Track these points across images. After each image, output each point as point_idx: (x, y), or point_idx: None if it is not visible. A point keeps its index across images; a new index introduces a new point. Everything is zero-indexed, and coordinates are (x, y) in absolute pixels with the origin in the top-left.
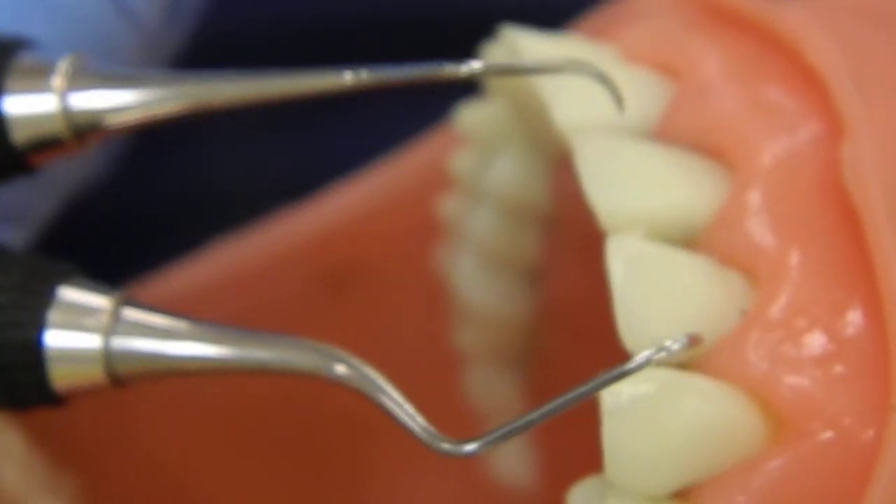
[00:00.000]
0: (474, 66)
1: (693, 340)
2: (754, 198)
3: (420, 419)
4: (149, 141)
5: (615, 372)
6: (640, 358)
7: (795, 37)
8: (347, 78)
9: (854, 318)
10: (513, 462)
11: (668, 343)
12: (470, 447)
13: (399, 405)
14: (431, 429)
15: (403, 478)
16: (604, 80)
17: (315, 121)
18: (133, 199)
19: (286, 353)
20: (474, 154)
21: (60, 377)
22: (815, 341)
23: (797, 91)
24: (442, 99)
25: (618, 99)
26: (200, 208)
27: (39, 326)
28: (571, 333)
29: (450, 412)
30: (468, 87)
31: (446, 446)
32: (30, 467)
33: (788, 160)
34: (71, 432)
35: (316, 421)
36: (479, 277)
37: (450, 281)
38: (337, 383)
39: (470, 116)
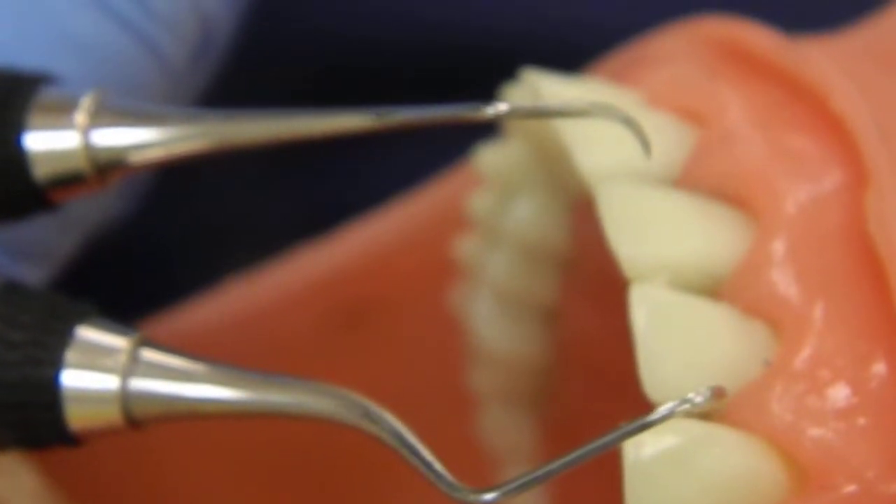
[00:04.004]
0: (500, 108)
1: (717, 393)
2: (778, 247)
3: (438, 465)
4: (164, 176)
5: (637, 424)
6: (662, 410)
7: (819, 84)
8: (371, 118)
9: (878, 370)
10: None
11: (691, 395)
12: (489, 496)
13: (417, 452)
14: (449, 476)
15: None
16: (630, 124)
17: (333, 158)
18: (147, 235)
19: (304, 398)
20: (493, 195)
21: (77, 418)
22: (839, 393)
23: (821, 139)
24: (461, 138)
25: (644, 144)
26: (216, 245)
27: (57, 366)
28: (587, 376)
29: (463, 452)
30: (487, 128)
31: (465, 494)
32: (43, 502)
33: (812, 209)
34: (84, 467)
35: (331, 456)
36: (495, 319)
37: (466, 322)
38: (355, 429)
39: (489, 157)
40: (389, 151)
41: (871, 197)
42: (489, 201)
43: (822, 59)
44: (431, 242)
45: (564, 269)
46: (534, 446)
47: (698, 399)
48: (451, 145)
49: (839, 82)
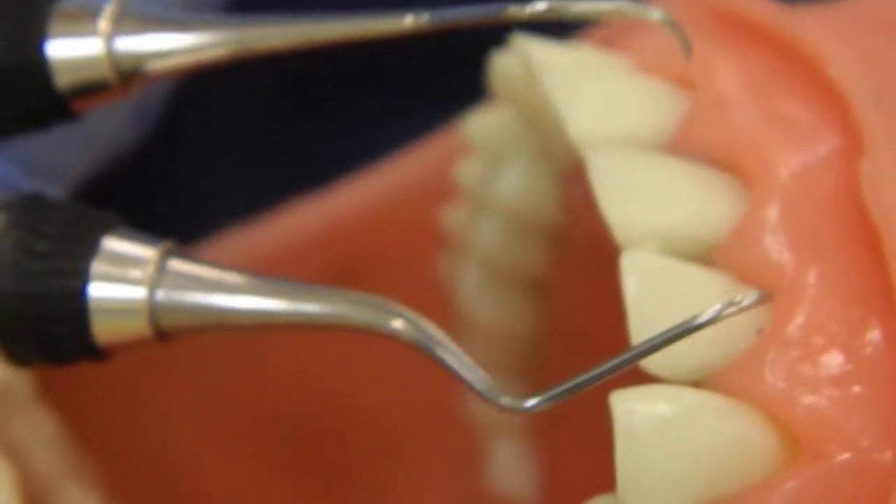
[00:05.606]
0: (538, 7)
1: (765, 298)
2: (771, 213)
3: (480, 372)
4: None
5: (680, 328)
6: (710, 312)
7: (815, 50)
8: (407, 21)
9: (872, 337)
10: (513, 473)
11: (738, 297)
12: (530, 402)
13: (458, 358)
14: (491, 382)
15: (406, 486)
16: (669, 24)
17: (329, 115)
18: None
19: (340, 307)
20: (481, 163)
21: (103, 330)
22: (833, 360)
23: (815, 105)
24: (449, 105)
25: (684, 43)
26: (208, 199)
27: (83, 277)
28: (576, 347)
29: (450, 422)
30: (475, 94)
31: (506, 400)
32: (61, 451)
33: (806, 175)
34: (95, 421)
35: (331, 430)
36: (482, 290)
37: (453, 293)
38: (393, 338)
39: (477, 124)
40: (380, 111)
41: (866, 163)
42: (477, 169)
43: (818, 25)
44: (417, 211)
45: (553, 239)
46: (521, 418)
47: (746, 301)
48: (438, 111)
49: (835, 49)
